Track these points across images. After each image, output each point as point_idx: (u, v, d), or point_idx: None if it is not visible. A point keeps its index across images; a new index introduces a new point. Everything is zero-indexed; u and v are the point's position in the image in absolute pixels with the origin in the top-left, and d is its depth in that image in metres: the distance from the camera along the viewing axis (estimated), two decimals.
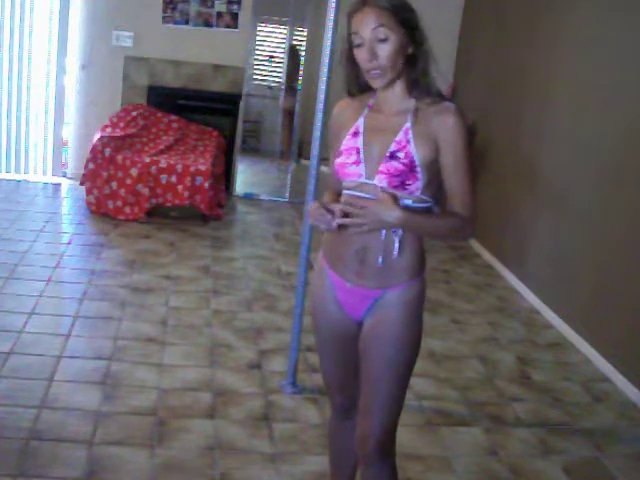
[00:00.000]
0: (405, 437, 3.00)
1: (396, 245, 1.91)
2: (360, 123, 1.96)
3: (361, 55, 1.86)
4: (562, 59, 4.77)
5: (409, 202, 1.88)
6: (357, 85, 1.99)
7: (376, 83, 1.89)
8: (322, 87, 3.05)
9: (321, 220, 1.89)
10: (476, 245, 5.94)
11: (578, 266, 4.34)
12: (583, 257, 4.29)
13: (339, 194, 2.06)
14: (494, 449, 3.07)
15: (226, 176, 6.60)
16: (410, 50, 1.87)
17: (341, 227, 1.90)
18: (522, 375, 3.81)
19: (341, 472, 2.33)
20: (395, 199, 1.85)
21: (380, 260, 1.92)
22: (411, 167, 1.85)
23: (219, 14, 6.57)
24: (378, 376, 1.98)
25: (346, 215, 1.88)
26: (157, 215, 5.80)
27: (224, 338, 3.85)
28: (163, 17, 6.50)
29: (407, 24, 1.85)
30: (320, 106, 3.06)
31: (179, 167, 5.69)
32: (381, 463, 2.03)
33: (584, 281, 4.26)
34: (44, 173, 6.69)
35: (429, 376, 3.65)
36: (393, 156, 1.87)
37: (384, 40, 1.83)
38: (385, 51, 1.83)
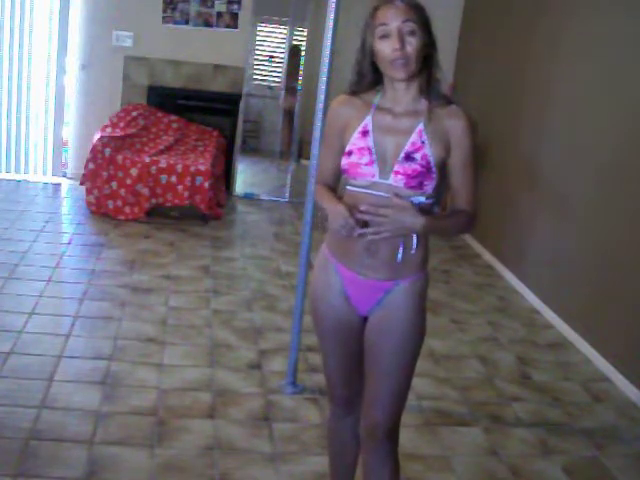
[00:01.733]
0: (405, 437, 2.98)
1: (414, 242, 1.97)
2: (368, 122, 1.97)
3: (388, 45, 1.88)
4: (562, 59, 4.77)
5: (422, 199, 1.92)
6: (368, 82, 2.00)
7: (400, 73, 1.90)
8: (322, 87, 3.05)
9: (345, 227, 1.91)
10: (476, 245, 5.94)
11: (578, 266, 4.34)
12: (583, 257, 4.29)
13: (333, 189, 2.09)
14: (494, 449, 3.07)
15: (226, 176, 6.60)
16: (427, 52, 1.92)
17: (359, 235, 1.93)
18: (522, 375, 3.81)
19: (341, 471, 2.34)
20: (412, 204, 1.88)
21: (400, 257, 1.96)
22: (428, 168, 1.90)
23: (219, 14, 6.57)
24: (388, 366, 2.03)
25: (365, 221, 1.91)
26: (157, 215, 5.80)
27: (224, 338, 3.85)
28: (163, 17, 6.50)
29: (428, 27, 1.91)
30: (320, 106, 3.06)
31: (179, 167, 5.69)
32: (388, 449, 2.10)
33: (584, 281, 4.26)
34: (44, 173, 6.68)
35: (429, 376, 3.65)
36: (409, 157, 1.91)
37: (412, 33, 1.87)
38: (412, 44, 1.87)
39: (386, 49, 1.88)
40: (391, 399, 2.06)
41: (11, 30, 6.34)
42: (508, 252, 5.38)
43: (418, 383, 3.50)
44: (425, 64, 1.93)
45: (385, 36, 1.88)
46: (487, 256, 5.70)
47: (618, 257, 3.94)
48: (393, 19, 1.87)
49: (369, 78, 1.99)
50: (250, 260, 5.18)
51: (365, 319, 2.07)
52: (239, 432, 2.99)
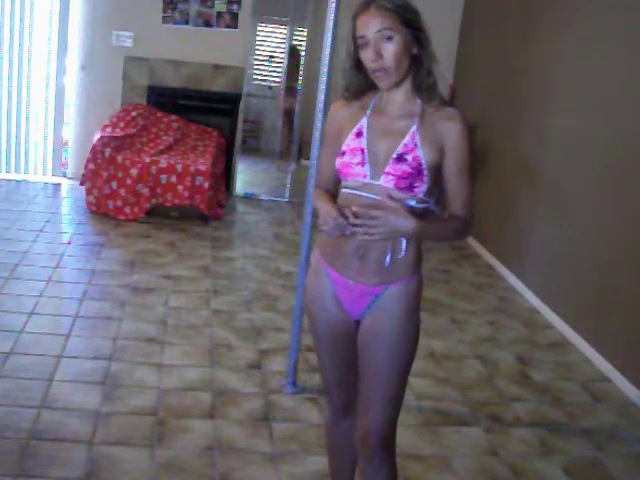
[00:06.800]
0: (405, 437, 3.00)
1: (404, 245, 1.94)
2: (363, 124, 1.98)
3: (367, 56, 1.88)
4: (562, 59, 4.77)
5: (413, 202, 1.90)
6: (356, 89, 2.00)
7: (383, 84, 1.91)
8: (322, 87, 3.05)
9: (336, 227, 1.88)
10: (476, 245, 5.94)
11: (578, 266, 4.34)
12: (583, 257, 4.29)
13: (331, 193, 2.07)
14: (494, 449, 3.07)
15: (226, 176, 6.60)
16: (415, 51, 1.90)
17: (352, 233, 1.90)
18: (522, 375, 3.81)
19: (340, 471, 2.33)
20: (405, 207, 1.86)
21: (388, 260, 1.94)
22: (419, 170, 1.89)
23: (219, 14, 6.57)
24: (380, 371, 2.00)
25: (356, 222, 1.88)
26: (157, 215, 5.80)
27: (224, 338, 3.85)
28: (163, 17, 6.50)
29: (411, 24, 1.88)
30: (320, 106, 3.06)
31: (179, 167, 5.69)
32: (383, 457, 2.06)
33: (584, 281, 4.26)
34: (44, 173, 6.68)
35: (429, 376, 3.65)
36: (400, 158, 1.89)
37: (389, 40, 1.85)
38: (390, 51, 1.85)
39: (366, 60, 1.89)
40: (384, 406, 2.02)
41: (11, 30, 6.34)
42: (508, 252, 5.38)
43: (418, 383, 3.50)
44: (416, 60, 1.90)
45: (364, 46, 1.88)
46: (487, 256, 5.70)
47: (618, 257, 3.94)
48: (368, 28, 1.85)
49: (358, 85, 1.99)
50: (250, 260, 5.18)
51: (358, 323, 2.06)
52: (239, 432, 2.99)
